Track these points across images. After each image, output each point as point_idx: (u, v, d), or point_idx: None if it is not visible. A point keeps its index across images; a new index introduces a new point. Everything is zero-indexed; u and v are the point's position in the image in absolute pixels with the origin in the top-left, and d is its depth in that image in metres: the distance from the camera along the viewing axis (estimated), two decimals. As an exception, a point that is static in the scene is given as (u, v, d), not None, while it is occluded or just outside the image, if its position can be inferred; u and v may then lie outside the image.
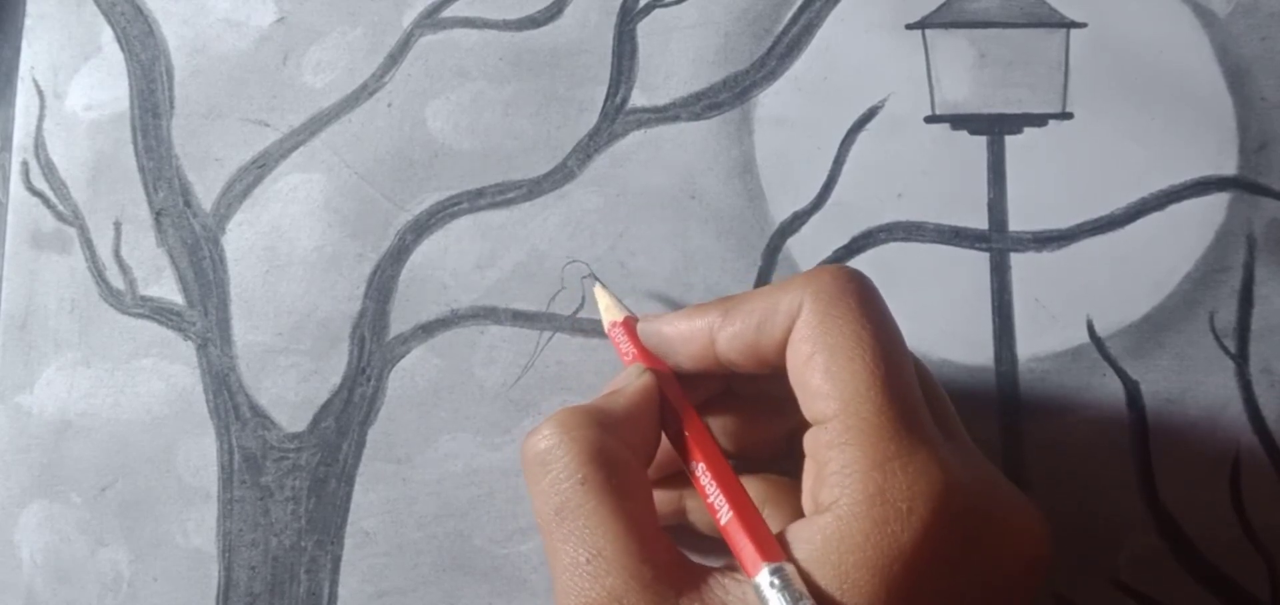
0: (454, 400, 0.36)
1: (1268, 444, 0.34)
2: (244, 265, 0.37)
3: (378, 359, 0.36)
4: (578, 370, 0.36)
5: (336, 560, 0.35)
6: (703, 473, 0.28)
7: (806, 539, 0.25)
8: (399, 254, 0.37)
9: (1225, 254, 0.36)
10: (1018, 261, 0.36)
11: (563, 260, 0.37)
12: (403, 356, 0.36)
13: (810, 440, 0.26)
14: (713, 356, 0.29)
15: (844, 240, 0.36)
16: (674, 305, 0.36)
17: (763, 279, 0.36)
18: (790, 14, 0.38)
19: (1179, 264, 0.36)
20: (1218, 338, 0.35)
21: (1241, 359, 0.35)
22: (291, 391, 0.36)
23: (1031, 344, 0.35)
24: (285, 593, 0.35)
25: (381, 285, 0.37)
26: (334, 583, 0.35)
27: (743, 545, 0.25)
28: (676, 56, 0.38)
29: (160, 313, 0.37)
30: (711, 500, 0.27)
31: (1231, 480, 0.34)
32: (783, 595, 0.24)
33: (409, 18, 0.38)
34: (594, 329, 0.36)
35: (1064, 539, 0.34)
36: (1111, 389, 0.35)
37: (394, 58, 0.38)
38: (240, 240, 0.37)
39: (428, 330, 0.36)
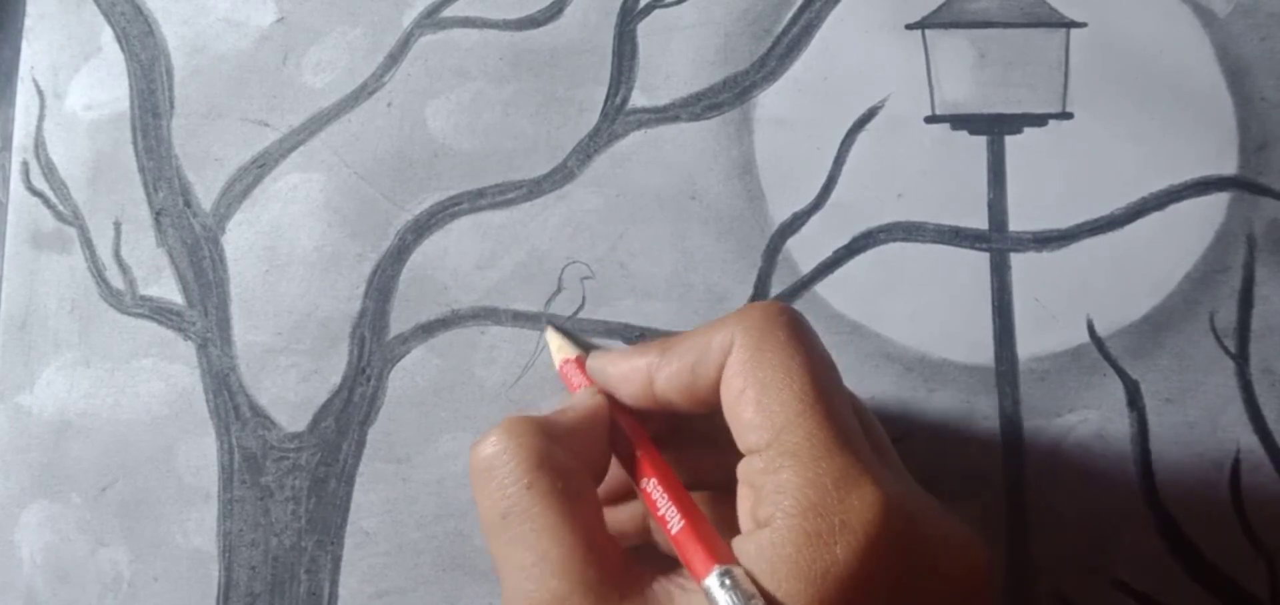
0: (454, 400, 0.36)
1: (1268, 444, 0.34)
2: (244, 265, 0.37)
3: (378, 359, 0.36)
4: (578, 370, 0.36)
5: (337, 560, 0.35)
6: (653, 487, 0.28)
7: (742, 552, 0.25)
8: (399, 254, 0.37)
9: (1225, 254, 0.36)
10: (1018, 261, 0.36)
11: (563, 260, 0.37)
12: (403, 356, 0.36)
13: (744, 469, 0.26)
14: (652, 396, 0.29)
15: (844, 240, 0.36)
16: (675, 304, 0.36)
17: (763, 279, 0.36)
18: (790, 14, 0.38)
19: (1179, 264, 0.36)
20: (1218, 337, 0.35)
21: (1241, 359, 0.35)
22: (291, 391, 0.36)
23: (1032, 344, 0.35)
24: (285, 592, 0.35)
25: (382, 285, 0.37)
26: (334, 582, 0.35)
27: (692, 551, 0.26)
28: (676, 57, 0.38)
29: (160, 313, 0.37)
30: (661, 512, 0.27)
31: (1231, 480, 0.34)
32: (731, 595, 0.24)
33: (409, 17, 0.38)
34: (594, 329, 0.36)
35: (1064, 538, 0.34)
36: (1111, 389, 0.35)
37: (394, 58, 0.38)
38: (240, 240, 0.37)
39: (428, 330, 0.36)
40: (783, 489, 0.25)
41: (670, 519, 0.27)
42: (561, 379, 0.34)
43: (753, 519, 0.26)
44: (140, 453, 0.36)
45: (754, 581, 0.24)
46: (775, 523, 0.24)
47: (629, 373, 0.30)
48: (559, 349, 0.34)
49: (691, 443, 0.31)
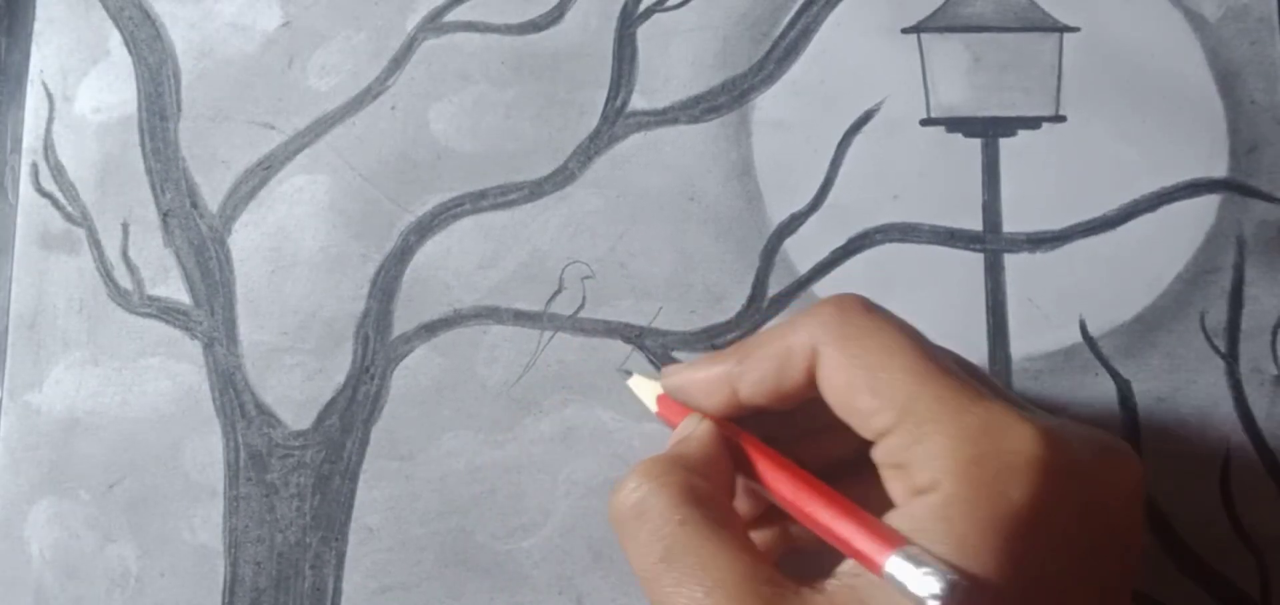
0: (457, 398, 0.36)
1: (1257, 442, 0.35)
2: (250, 265, 0.38)
3: (381, 358, 0.37)
4: (578, 369, 0.36)
5: (341, 556, 0.35)
6: (792, 490, 0.27)
7: (912, 517, 0.24)
8: (402, 254, 0.37)
9: (1216, 255, 0.36)
10: (1011, 262, 0.36)
11: (564, 260, 0.37)
12: (406, 355, 0.37)
13: (883, 453, 0.26)
14: (737, 403, 0.29)
15: (840, 241, 0.37)
16: (674, 304, 0.36)
17: (760, 279, 0.37)
18: (788, 18, 0.38)
19: (1170, 265, 0.36)
20: (1208, 337, 0.36)
21: (1232, 358, 0.36)
22: (296, 390, 0.37)
23: (1025, 344, 0.36)
24: (290, 588, 0.35)
25: (385, 285, 0.37)
26: (338, 578, 0.35)
27: (862, 542, 0.25)
28: (676, 60, 0.38)
29: (167, 312, 0.37)
30: (809, 512, 0.27)
31: (1222, 478, 0.35)
32: (919, 570, 0.23)
33: (412, 22, 0.39)
34: (594, 329, 0.36)
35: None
36: (1104, 388, 0.36)
37: (397, 61, 0.39)
38: (246, 241, 0.38)
39: (431, 329, 0.37)
40: (936, 453, 0.24)
41: (821, 517, 0.26)
42: (661, 419, 0.33)
43: (908, 492, 0.25)
44: (147, 450, 0.36)
45: (930, 552, 0.23)
46: (941, 485, 0.24)
47: (709, 385, 0.29)
48: (649, 390, 0.33)
49: (789, 440, 0.31)
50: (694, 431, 0.30)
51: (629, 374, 0.34)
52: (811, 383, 0.28)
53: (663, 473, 0.27)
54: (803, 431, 0.30)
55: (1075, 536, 0.24)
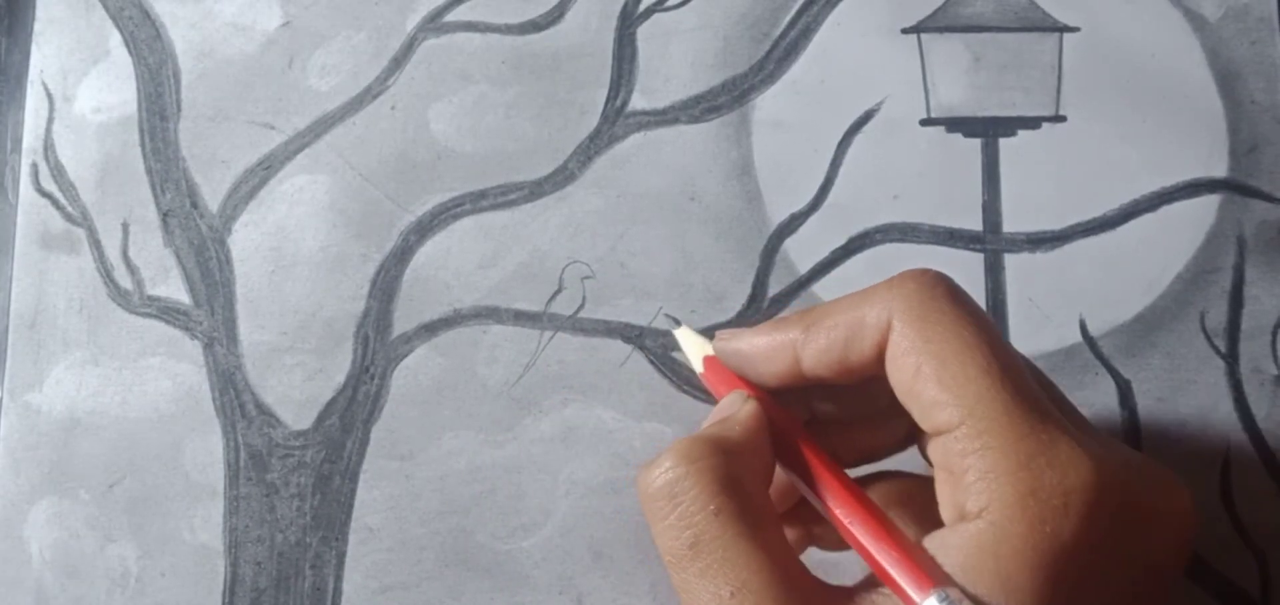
0: (457, 398, 0.36)
1: (1257, 442, 0.35)
2: (250, 266, 0.38)
3: (381, 358, 0.37)
4: (578, 369, 0.36)
5: (341, 556, 0.36)
6: (834, 499, 0.26)
7: (959, 546, 0.24)
8: (402, 254, 0.37)
9: (1216, 255, 0.36)
10: (1011, 262, 0.36)
11: (564, 260, 0.37)
12: (406, 355, 0.37)
13: (938, 451, 0.25)
14: (798, 372, 0.27)
15: (841, 241, 0.37)
16: (674, 304, 0.36)
17: (760, 279, 0.37)
18: (788, 18, 0.38)
19: (1170, 264, 0.36)
20: (1208, 337, 0.36)
21: (1232, 358, 0.36)
22: (296, 390, 0.37)
23: (1025, 343, 0.36)
24: (290, 588, 0.35)
25: (385, 285, 0.37)
26: (338, 578, 0.35)
27: (900, 574, 0.24)
28: (676, 60, 0.38)
29: (167, 312, 0.37)
30: (848, 526, 0.26)
31: (1221, 477, 0.35)
32: None
33: (412, 22, 0.39)
34: (594, 329, 0.36)
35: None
36: (1104, 388, 0.36)
37: (397, 61, 0.39)
38: (246, 241, 0.38)
39: (431, 329, 0.37)
40: (991, 473, 0.23)
41: (862, 536, 0.25)
42: (705, 383, 0.31)
43: (957, 509, 0.24)
44: (148, 450, 0.36)
45: (969, 595, 0.23)
46: (992, 512, 0.23)
47: (771, 350, 0.28)
48: (698, 348, 0.31)
49: (842, 419, 0.29)
50: (738, 412, 0.28)
51: (677, 323, 0.32)
52: (880, 359, 0.26)
53: (701, 455, 0.26)
54: (858, 411, 0.29)
55: (1124, 574, 0.24)
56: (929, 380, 0.25)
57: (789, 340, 0.27)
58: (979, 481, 0.23)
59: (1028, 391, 0.24)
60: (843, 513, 0.26)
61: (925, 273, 0.26)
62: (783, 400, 0.29)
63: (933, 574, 0.23)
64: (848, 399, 0.29)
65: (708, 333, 0.31)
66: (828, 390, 0.28)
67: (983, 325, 0.25)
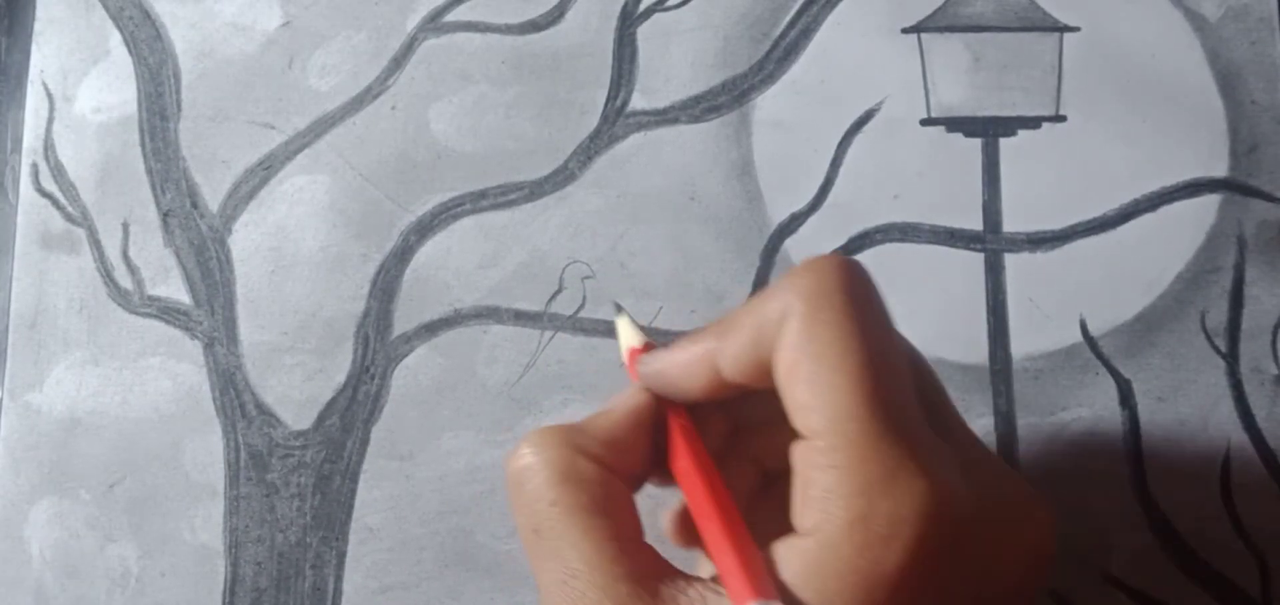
0: (457, 398, 0.36)
1: (1257, 442, 0.35)
2: (250, 266, 0.38)
3: (382, 358, 0.37)
4: (578, 369, 0.36)
5: (341, 556, 0.36)
6: (690, 497, 0.27)
7: (788, 561, 0.24)
8: (403, 254, 0.37)
9: (1216, 254, 0.36)
10: (1012, 262, 0.36)
11: (564, 260, 0.37)
12: (406, 355, 0.37)
13: (797, 456, 0.25)
14: (721, 382, 0.27)
15: (841, 241, 0.37)
16: (674, 304, 0.36)
17: (761, 279, 0.37)
18: (788, 18, 0.38)
19: (1171, 264, 0.36)
20: (1209, 337, 0.36)
21: (1232, 358, 0.36)
22: (297, 390, 0.37)
23: (1025, 343, 0.36)
24: (291, 588, 0.35)
25: (385, 285, 0.37)
26: (338, 578, 0.35)
27: (731, 573, 0.24)
28: (676, 60, 0.38)
29: (168, 312, 0.37)
30: (702, 526, 0.26)
31: (1222, 477, 0.35)
32: None
33: (412, 22, 0.39)
34: (594, 328, 0.36)
35: (1057, 536, 0.34)
36: (1104, 387, 0.36)
37: (398, 61, 0.39)
38: (246, 241, 0.38)
39: (431, 329, 0.37)
40: (831, 493, 0.23)
41: (709, 537, 0.25)
42: (628, 370, 0.31)
43: (799, 520, 0.24)
44: (148, 450, 0.36)
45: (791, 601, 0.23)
46: (822, 533, 0.23)
47: (690, 365, 0.27)
48: (628, 338, 0.31)
49: (770, 423, 0.28)
50: (615, 406, 0.28)
51: (620, 310, 0.32)
52: None
53: (548, 446, 0.26)
54: (781, 415, 0.28)
55: (955, 599, 0.24)
56: (801, 382, 0.24)
57: (706, 351, 0.27)
58: (820, 498, 0.23)
59: (893, 407, 0.24)
60: (694, 510, 0.26)
61: (825, 262, 0.25)
62: (710, 411, 0.29)
63: (760, 585, 0.23)
64: (772, 403, 0.27)
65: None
66: (755, 396, 0.28)
67: (869, 327, 0.24)
